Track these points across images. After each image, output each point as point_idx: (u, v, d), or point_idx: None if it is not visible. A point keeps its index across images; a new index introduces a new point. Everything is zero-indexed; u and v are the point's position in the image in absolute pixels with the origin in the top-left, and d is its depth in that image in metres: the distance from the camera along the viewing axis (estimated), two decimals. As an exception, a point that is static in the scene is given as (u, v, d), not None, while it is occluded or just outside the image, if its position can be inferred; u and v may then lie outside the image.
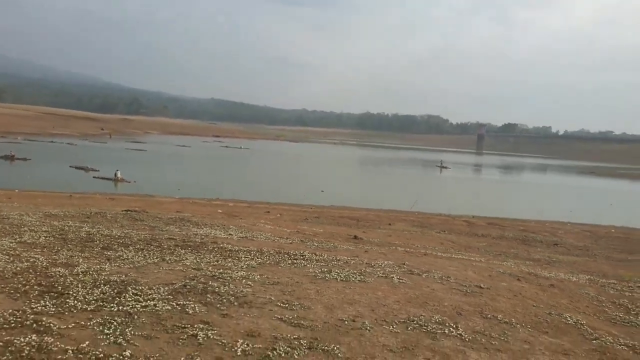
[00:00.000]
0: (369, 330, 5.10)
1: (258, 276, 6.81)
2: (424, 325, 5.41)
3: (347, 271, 7.61)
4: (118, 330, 4.44)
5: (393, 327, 5.28)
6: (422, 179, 64.62)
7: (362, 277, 7.32)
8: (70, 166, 43.57)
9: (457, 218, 26.27)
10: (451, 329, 5.41)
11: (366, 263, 8.59)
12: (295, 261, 8.20)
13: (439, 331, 5.29)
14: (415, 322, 5.50)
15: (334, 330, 5.00)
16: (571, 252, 17.30)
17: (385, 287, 6.87)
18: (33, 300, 5.02)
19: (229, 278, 6.53)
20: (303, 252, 9.15)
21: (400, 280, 7.34)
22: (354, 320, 5.34)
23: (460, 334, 5.28)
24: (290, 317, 5.22)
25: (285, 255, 8.62)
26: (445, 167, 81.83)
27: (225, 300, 5.56)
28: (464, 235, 20.25)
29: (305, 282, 6.77)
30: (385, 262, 8.88)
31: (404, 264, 8.85)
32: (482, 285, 7.61)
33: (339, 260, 8.67)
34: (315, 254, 9.07)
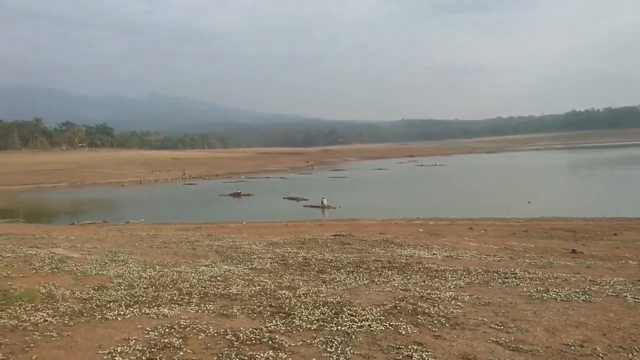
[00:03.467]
0: (601, 358, 4.54)
1: (467, 296, 6.64)
2: (675, 354, 4.59)
3: (567, 290, 6.93)
4: (339, 349, 4.77)
5: (633, 354, 4.60)
6: (654, 179, 54.94)
7: (587, 296, 6.59)
8: (284, 197, 49.12)
9: None
10: None
11: (590, 280, 7.71)
12: (506, 280, 7.79)
13: (697, 361, 4.44)
14: (662, 349, 4.71)
15: (559, 356, 4.58)
16: None
17: (617, 308, 6.05)
18: (267, 320, 5.72)
19: (437, 299, 6.52)
20: (514, 270, 8.64)
21: (637, 300, 6.38)
22: (582, 346, 4.82)
23: None
24: (507, 340, 4.96)
25: (495, 274, 8.24)
26: None
27: (436, 322, 5.56)
28: None
29: (519, 302, 6.36)
30: (614, 278, 7.85)
31: (640, 280, 7.67)
32: None
33: (556, 277, 7.96)
34: (528, 272, 8.49)
